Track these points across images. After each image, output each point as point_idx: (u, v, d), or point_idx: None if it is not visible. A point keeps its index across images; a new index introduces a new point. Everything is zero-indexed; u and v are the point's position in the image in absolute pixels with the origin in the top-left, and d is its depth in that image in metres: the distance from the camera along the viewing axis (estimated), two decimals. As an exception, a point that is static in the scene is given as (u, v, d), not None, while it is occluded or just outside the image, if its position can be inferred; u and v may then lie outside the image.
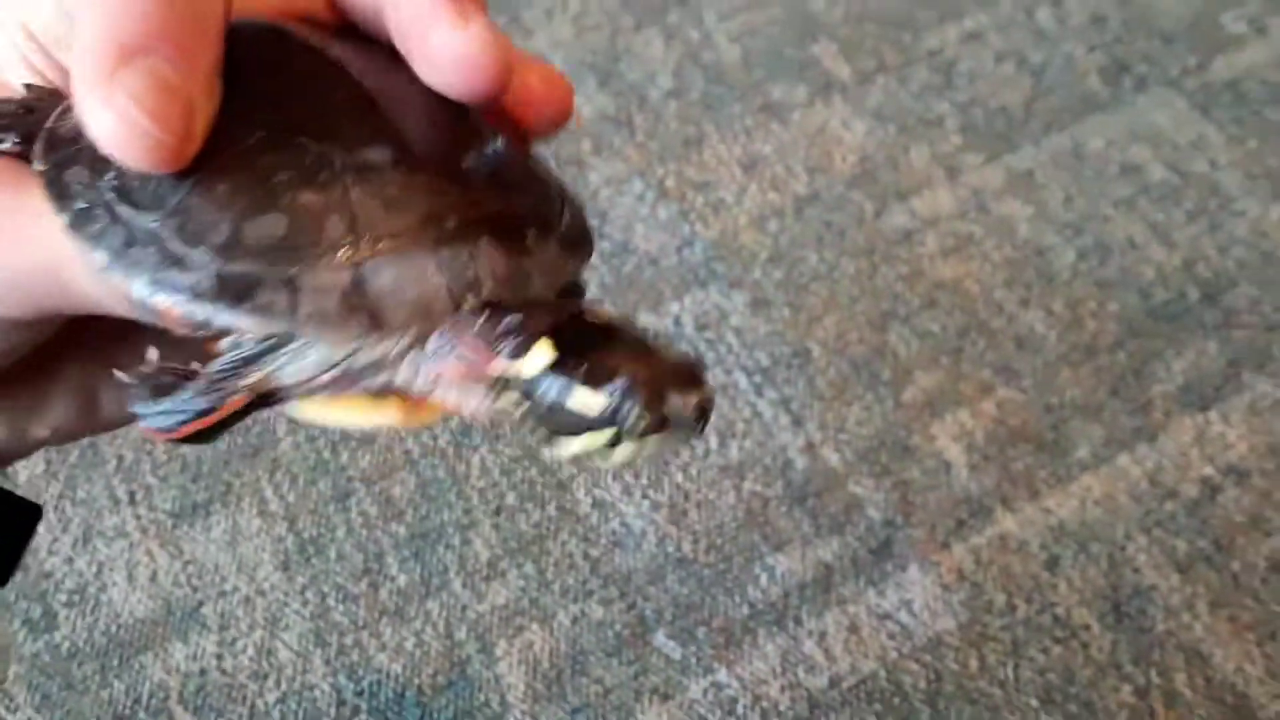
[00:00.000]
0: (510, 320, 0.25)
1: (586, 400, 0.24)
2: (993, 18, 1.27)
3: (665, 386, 0.25)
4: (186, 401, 0.25)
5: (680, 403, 0.25)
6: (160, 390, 0.25)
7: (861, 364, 1.04)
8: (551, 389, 0.25)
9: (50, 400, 0.33)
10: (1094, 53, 1.25)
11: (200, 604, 0.89)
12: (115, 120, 0.22)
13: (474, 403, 0.26)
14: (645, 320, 1.05)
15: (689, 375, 0.25)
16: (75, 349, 0.33)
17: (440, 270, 0.24)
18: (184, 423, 0.25)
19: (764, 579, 0.93)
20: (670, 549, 0.93)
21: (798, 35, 1.24)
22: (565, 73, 0.29)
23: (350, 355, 0.25)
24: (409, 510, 0.94)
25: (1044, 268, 1.10)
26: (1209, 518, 0.97)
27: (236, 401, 0.25)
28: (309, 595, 0.89)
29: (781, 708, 0.88)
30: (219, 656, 0.87)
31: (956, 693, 0.89)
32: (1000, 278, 1.09)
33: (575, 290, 0.28)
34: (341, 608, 0.89)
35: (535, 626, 0.89)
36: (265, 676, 0.86)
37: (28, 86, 0.27)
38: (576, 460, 0.26)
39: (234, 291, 0.23)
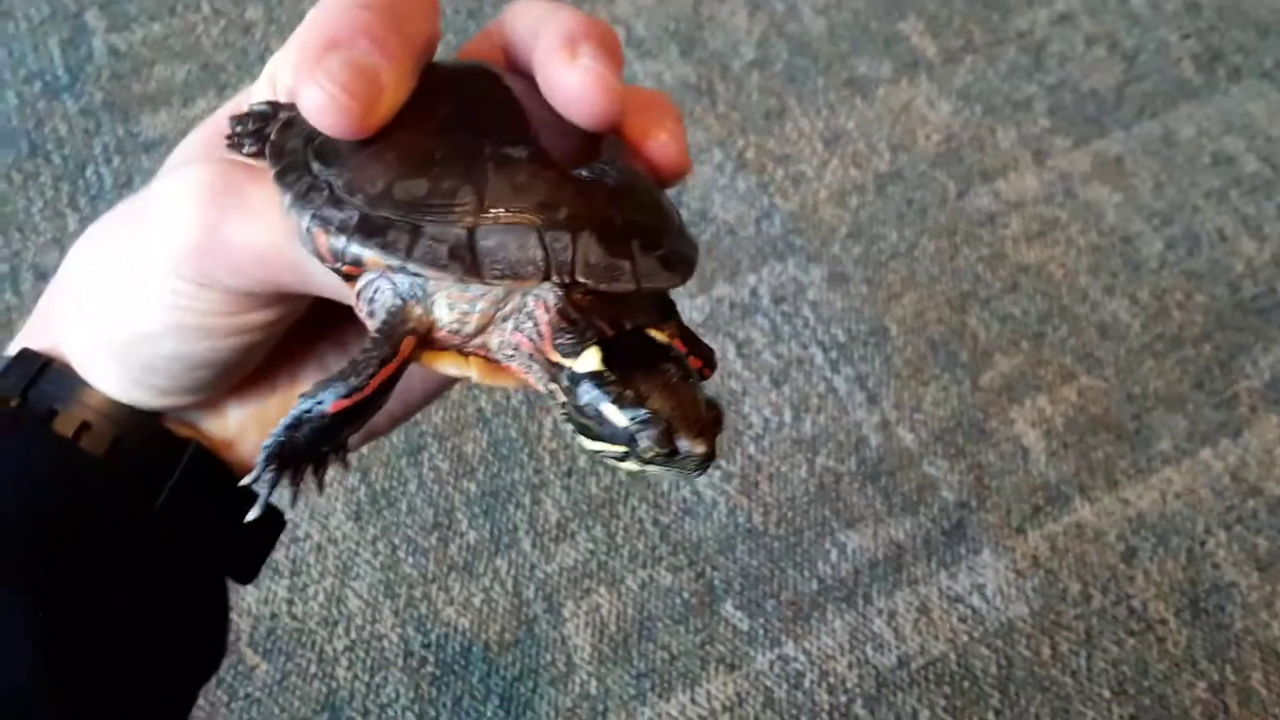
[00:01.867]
0: (577, 316, 0.28)
1: (613, 415, 0.28)
2: (1084, 0, 1.25)
3: (680, 430, 0.27)
4: (364, 361, 0.29)
5: (688, 448, 0.28)
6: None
7: (940, 344, 1.02)
8: (588, 393, 0.28)
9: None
10: (1188, 40, 1.23)
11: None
12: (316, 91, 0.28)
13: (536, 377, 0.29)
14: (722, 291, 1.04)
15: (704, 426, 0.28)
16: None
17: (540, 244, 0.27)
18: (372, 375, 0.28)
19: (834, 555, 0.92)
20: (741, 520, 0.92)
21: (885, 10, 1.23)
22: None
23: (465, 309, 0.29)
24: (480, 468, 0.93)
25: (1130, 256, 1.08)
26: (1292, 517, 0.95)
27: (407, 345, 0.29)
28: (379, 546, 0.89)
29: (849, 684, 0.87)
30: (289, 602, 0.87)
31: (1028, 679, 0.87)
32: (1085, 264, 1.07)
33: (665, 306, 0.31)
34: (411, 560, 0.89)
35: (603, 589, 0.89)
36: (335, 624, 0.86)
37: (262, 103, 0.32)
38: (596, 456, 0.28)
39: (369, 229, 0.28)
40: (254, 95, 0.33)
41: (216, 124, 0.33)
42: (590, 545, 0.91)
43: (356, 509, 0.91)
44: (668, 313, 0.31)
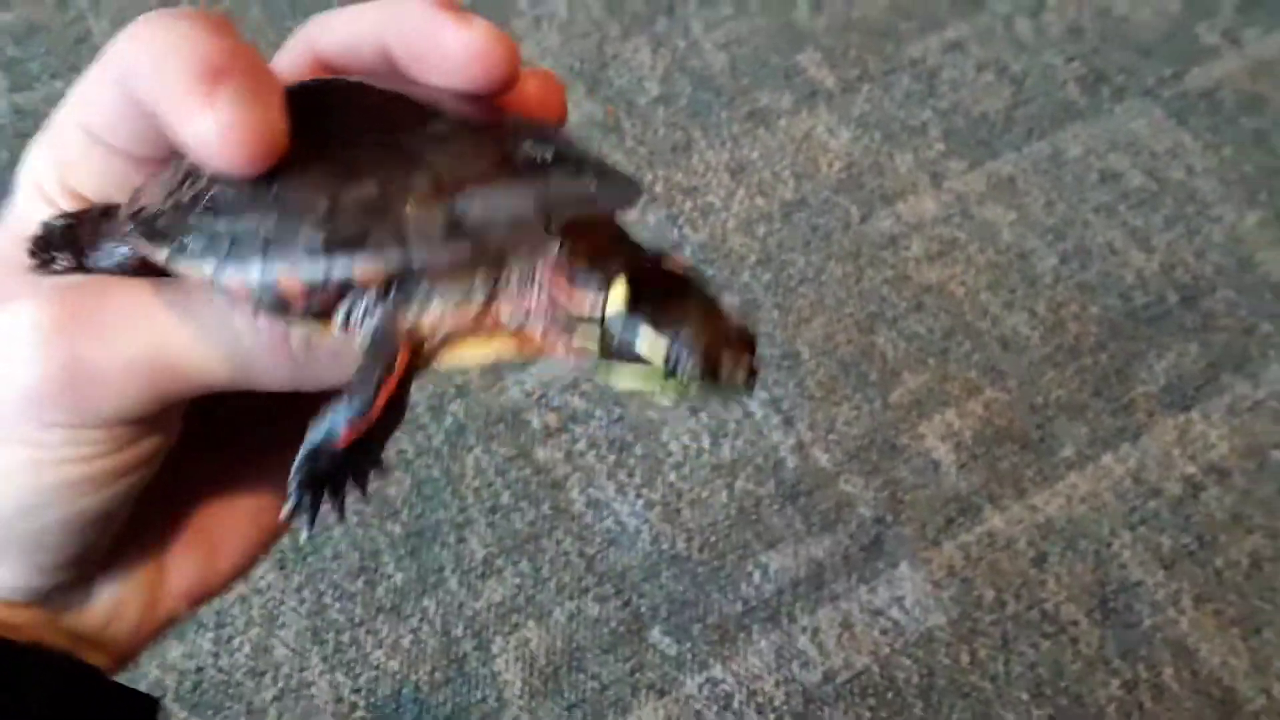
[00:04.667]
0: (593, 260, 0.27)
1: (651, 342, 0.26)
2: (973, 28, 1.30)
3: (721, 348, 0.27)
4: (361, 383, 0.26)
5: (730, 365, 0.27)
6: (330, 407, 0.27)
7: (850, 365, 1.05)
8: (622, 330, 0.27)
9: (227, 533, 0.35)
10: (1072, 63, 1.28)
11: (195, 603, 0.88)
12: (217, 121, 0.25)
13: (560, 335, 0.28)
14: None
15: (743, 349, 0.27)
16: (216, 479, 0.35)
17: (521, 197, 0.26)
18: (374, 396, 0.26)
19: (757, 576, 0.94)
20: (664, 546, 0.94)
21: (784, 43, 1.26)
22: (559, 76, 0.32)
23: (464, 292, 0.27)
24: (404, 509, 0.94)
25: (1027, 271, 1.12)
26: (1192, 515, 0.99)
27: (402, 358, 0.27)
28: (305, 593, 0.89)
29: (776, 703, 0.88)
30: (215, 655, 0.86)
31: (949, 687, 0.90)
32: (984, 281, 1.11)
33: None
34: (338, 605, 0.89)
35: (531, 623, 0.90)
36: (262, 674, 0.86)
37: (57, 216, 0.29)
38: (630, 394, 0.28)
39: (346, 243, 0.25)
40: (25, 213, 0.30)
41: (1, 258, 0.30)
42: (517, 580, 0.91)
43: (280, 557, 0.91)
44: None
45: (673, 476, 0.98)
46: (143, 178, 0.30)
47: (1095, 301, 1.11)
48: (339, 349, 0.28)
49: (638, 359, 0.27)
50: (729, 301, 1.07)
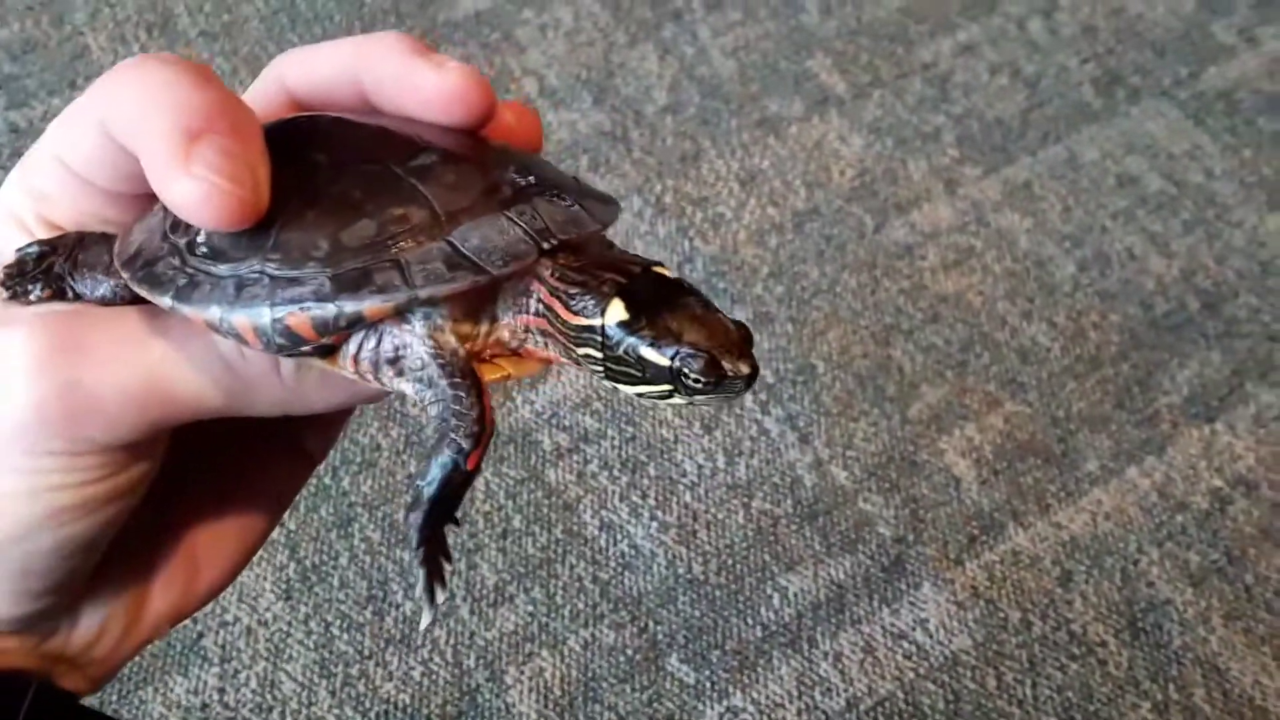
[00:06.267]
0: (581, 277, 0.28)
1: (653, 356, 0.28)
2: (985, 30, 1.27)
3: (721, 354, 0.28)
4: (458, 413, 0.27)
5: (732, 370, 0.28)
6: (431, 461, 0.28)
7: (866, 379, 1.03)
8: (624, 342, 0.28)
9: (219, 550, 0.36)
10: (1087, 64, 1.25)
11: (200, 635, 0.86)
12: (197, 187, 0.25)
13: (557, 350, 0.29)
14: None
15: (741, 345, 0.28)
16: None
17: (513, 223, 0.28)
18: (481, 413, 0.28)
19: (776, 599, 0.91)
20: (680, 570, 0.92)
21: (793, 49, 1.24)
22: (534, 106, 0.33)
23: (467, 320, 0.28)
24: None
25: (1045, 280, 1.10)
26: (1220, 530, 0.96)
27: (478, 367, 0.28)
28: (312, 625, 0.87)
29: (799, 731, 0.86)
30: (221, 690, 0.84)
31: (975, 713, 0.87)
32: (1002, 290, 1.09)
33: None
34: (346, 637, 0.87)
35: (545, 653, 0.87)
36: (269, 710, 0.84)
37: (31, 244, 0.30)
38: (637, 399, 0.28)
39: (352, 283, 0.26)
40: (0, 242, 0.31)
41: None
42: (530, 608, 0.89)
43: (286, 587, 0.88)
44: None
45: (688, 497, 0.95)
46: (124, 214, 0.30)
47: (1115, 310, 1.08)
48: (326, 376, 0.29)
49: (643, 367, 0.28)
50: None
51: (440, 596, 0.29)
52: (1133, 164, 1.18)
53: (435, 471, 0.28)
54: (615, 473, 0.96)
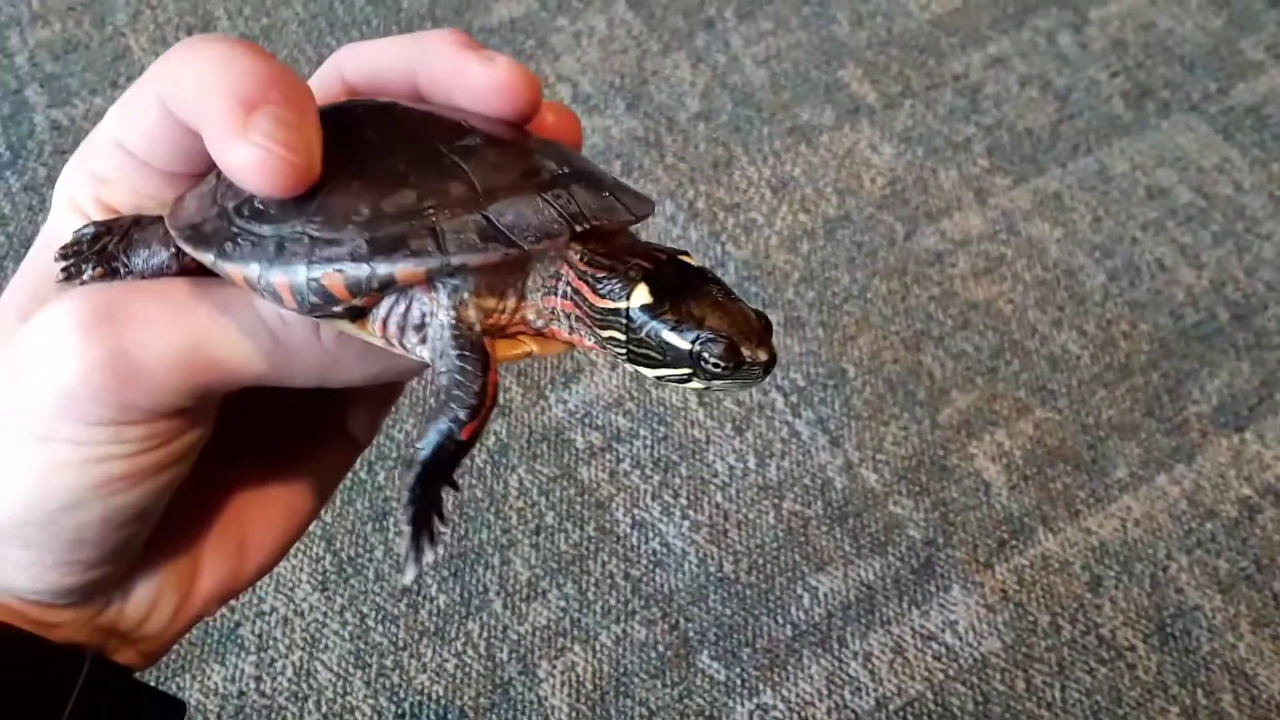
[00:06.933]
0: (609, 262, 0.29)
1: (675, 340, 0.29)
2: (1015, 43, 1.28)
3: (740, 340, 0.28)
4: (461, 384, 0.28)
5: (750, 356, 0.29)
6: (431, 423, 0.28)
7: (897, 384, 1.03)
8: (647, 325, 0.29)
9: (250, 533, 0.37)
10: (1116, 78, 1.26)
11: (238, 624, 0.87)
12: (254, 152, 0.26)
13: (582, 333, 0.30)
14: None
15: (761, 332, 0.29)
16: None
17: (549, 204, 0.28)
18: (483, 387, 0.28)
19: (806, 599, 0.92)
20: (712, 568, 0.92)
21: (824, 59, 1.25)
22: (574, 107, 0.33)
23: (496, 295, 0.29)
24: (447, 530, 0.92)
25: (1075, 289, 1.10)
26: (1249, 538, 0.97)
27: (491, 346, 0.29)
28: (348, 616, 0.88)
29: (828, 729, 0.86)
30: (258, 678, 0.85)
31: (1004, 715, 0.88)
32: (1032, 298, 1.09)
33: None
34: (381, 628, 0.87)
35: (577, 648, 0.88)
36: (305, 698, 0.84)
37: (87, 226, 0.31)
38: (658, 382, 0.29)
39: (387, 246, 0.27)
40: (59, 225, 0.32)
41: (36, 270, 0.32)
42: (562, 603, 0.90)
43: (323, 579, 0.89)
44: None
45: (719, 497, 0.96)
46: (179, 192, 0.31)
47: (1145, 319, 1.09)
48: (366, 347, 0.30)
49: (664, 350, 0.29)
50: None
51: (429, 555, 0.29)
52: (1163, 176, 1.19)
53: (431, 436, 0.28)
54: (647, 472, 0.96)
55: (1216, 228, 1.15)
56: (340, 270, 0.27)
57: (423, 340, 0.29)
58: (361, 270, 0.27)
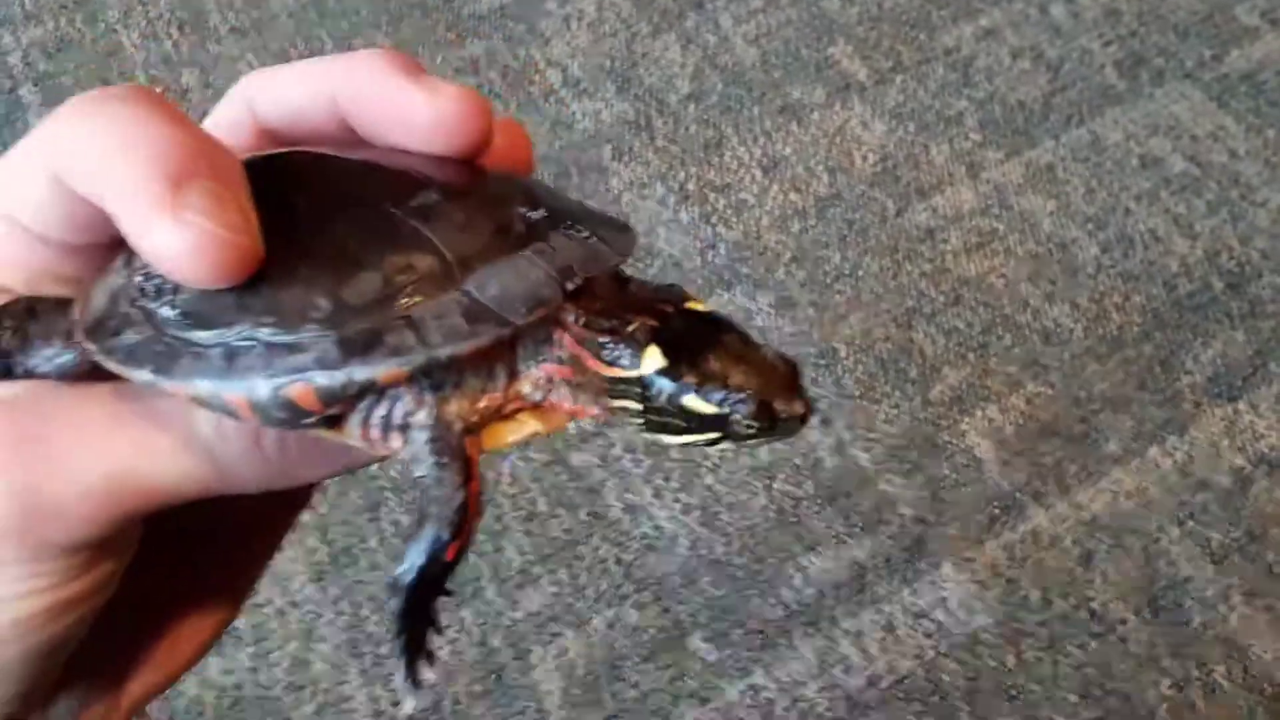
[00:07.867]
0: (609, 323, 0.26)
1: (699, 406, 0.25)
2: (1006, 14, 1.27)
3: (772, 396, 0.25)
4: (442, 500, 0.25)
5: (785, 411, 0.26)
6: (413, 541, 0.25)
7: (888, 362, 1.03)
8: (664, 391, 0.25)
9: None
10: (1109, 47, 1.25)
11: (235, 617, 0.88)
12: (189, 236, 0.22)
13: (584, 402, 0.27)
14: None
15: (791, 382, 0.26)
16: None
17: (533, 265, 0.25)
18: (464, 501, 0.25)
19: (798, 579, 0.92)
20: (703, 551, 0.93)
21: (814, 36, 1.24)
22: (525, 125, 0.30)
23: (488, 376, 0.26)
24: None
25: (1068, 262, 1.10)
26: (1241, 508, 0.97)
27: (473, 454, 0.25)
28: (343, 606, 0.89)
29: (820, 709, 0.87)
30: (253, 670, 0.86)
31: (995, 690, 0.88)
32: (1024, 272, 1.09)
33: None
34: (376, 618, 0.89)
35: (570, 632, 0.89)
36: (301, 689, 0.86)
37: None
38: (682, 449, 0.27)
39: (361, 347, 0.23)
40: None
41: None
42: (554, 588, 0.91)
43: (317, 570, 0.91)
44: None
45: (710, 480, 0.96)
46: (83, 268, 0.27)
47: (1138, 291, 1.08)
48: (315, 445, 0.26)
49: (687, 417, 0.26)
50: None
51: (428, 676, 0.27)
52: (1156, 146, 1.18)
53: (413, 558, 0.25)
54: (638, 456, 0.97)
55: (1211, 196, 1.15)
56: (307, 381, 0.23)
57: (409, 441, 0.25)
58: (335, 378, 0.23)
